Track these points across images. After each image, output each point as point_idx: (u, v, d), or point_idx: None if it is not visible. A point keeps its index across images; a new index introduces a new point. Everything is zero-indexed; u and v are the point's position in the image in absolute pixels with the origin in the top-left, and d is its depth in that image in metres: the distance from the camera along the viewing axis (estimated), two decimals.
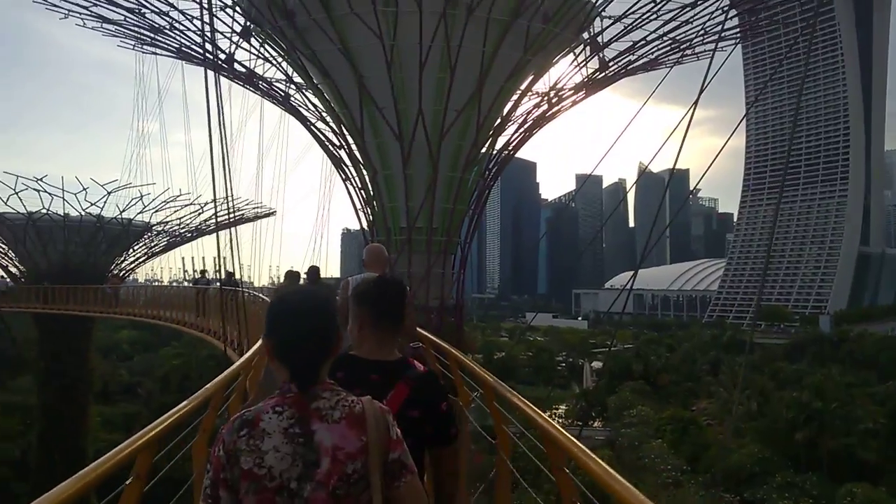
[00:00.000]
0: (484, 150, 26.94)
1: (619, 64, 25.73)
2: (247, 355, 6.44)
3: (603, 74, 26.12)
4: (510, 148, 28.04)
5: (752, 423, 60.65)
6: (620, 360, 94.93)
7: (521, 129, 27.87)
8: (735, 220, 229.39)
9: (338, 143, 27.77)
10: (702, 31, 25.04)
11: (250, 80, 28.77)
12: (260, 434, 1.87)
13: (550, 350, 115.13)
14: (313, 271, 12.94)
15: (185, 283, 31.50)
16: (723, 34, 27.06)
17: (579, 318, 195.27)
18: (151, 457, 3.07)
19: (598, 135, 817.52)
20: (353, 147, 27.06)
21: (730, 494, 43.73)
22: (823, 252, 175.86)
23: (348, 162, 27.83)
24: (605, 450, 56.87)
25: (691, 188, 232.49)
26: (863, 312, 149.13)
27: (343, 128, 26.82)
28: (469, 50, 22.26)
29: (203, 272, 29.18)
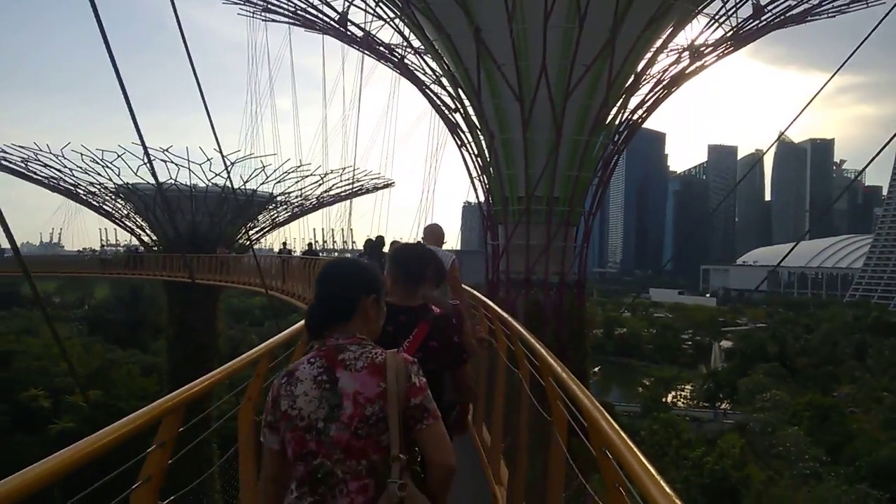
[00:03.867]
0: (614, 111, 24.52)
1: (776, 11, 22.44)
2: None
3: (755, 24, 22.94)
4: (644, 110, 25.38)
5: None
6: (753, 340, 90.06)
7: (657, 89, 25.12)
8: (885, 193, 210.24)
9: (453, 107, 26.24)
10: None
11: (366, 42, 27.76)
12: (295, 381, 2.21)
13: (675, 328, 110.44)
14: (371, 243, 13.71)
15: (297, 254, 31.87)
16: None
17: (707, 295, 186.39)
18: (178, 421, 3.12)
19: (733, 104, 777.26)
20: (470, 110, 25.41)
21: (877, 491, 39.74)
22: None
23: (464, 126, 26.25)
24: (733, 434, 53.77)
25: (835, 160, 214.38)
26: None
27: (459, 89, 25.21)
28: None
29: (310, 244, 30.48)
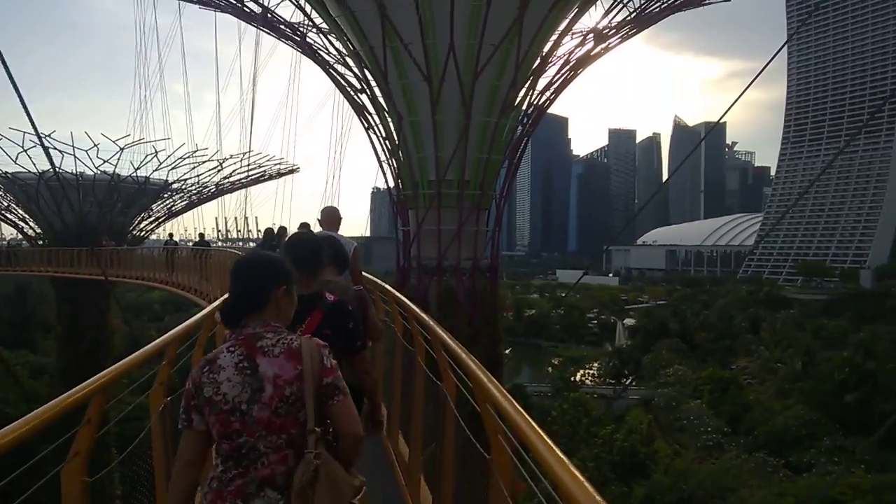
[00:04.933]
0: (522, 93, 24.18)
1: None
2: (206, 310, 6.60)
3: (657, 5, 23.11)
4: (551, 91, 25.20)
5: (797, 383, 58.46)
6: (655, 317, 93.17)
7: (564, 71, 24.98)
8: (773, 173, 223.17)
9: (359, 88, 25.20)
10: None
11: (264, 19, 26.24)
12: (217, 369, 2.41)
13: (581, 308, 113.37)
14: (269, 233, 13.72)
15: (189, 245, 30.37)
16: None
17: (610, 275, 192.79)
18: (104, 402, 3.30)
19: (632, 89, 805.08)
20: (377, 91, 24.46)
21: (774, 458, 41.82)
22: (865, 205, 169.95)
23: (371, 108, 25.27)
24: (639, 410, 55.51)
25: (727, 142, 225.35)
26: None
27: (365, 69, 24.19)
28: None
29: (202, 235, 29.40)
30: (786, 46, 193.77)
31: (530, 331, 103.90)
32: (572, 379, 70.67)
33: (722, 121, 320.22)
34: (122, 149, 40.56)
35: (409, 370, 5.74)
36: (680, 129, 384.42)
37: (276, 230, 15.56)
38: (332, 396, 2.45)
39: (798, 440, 46.15)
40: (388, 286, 7.44)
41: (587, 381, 75.01)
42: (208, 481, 2.43)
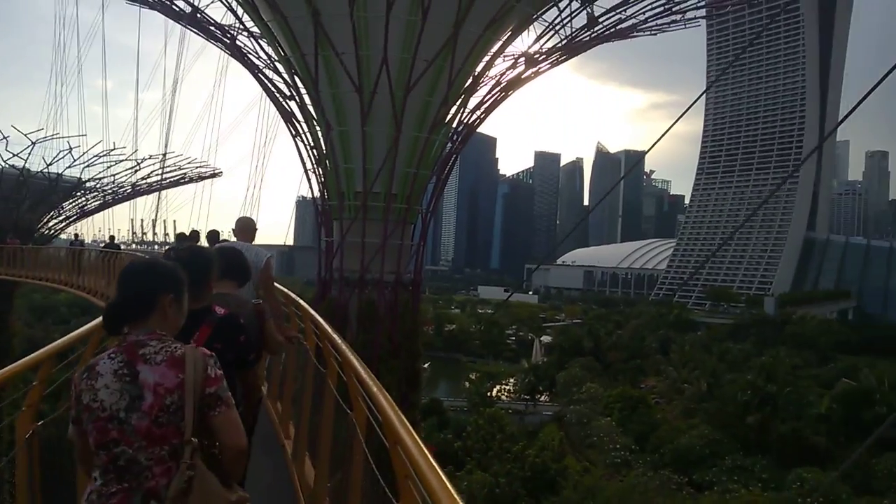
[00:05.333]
0: (453, 110, 24.39)
1: (608, 23, 23.45)
2: (95, 322, 5.74)
3: (589, 33, 23.82)
4: (482, 111, 25.53)
5: (702, 403, 60.62)
6: (571, 335, 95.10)
7: (495, 92, 25.37)
8: (687, 202, 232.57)
9: (288, 94, 24.82)
10: None
11: (193, 19, 25.53)
12: (95, 375, 2.36)
13: (501, 324, 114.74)
14: (181, 238, 13.62)
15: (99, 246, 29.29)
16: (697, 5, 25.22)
17: (530, 293, 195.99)
18: None
19: (559, 114, 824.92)
20: (306, 98, 24.15)
21: (678, 476, 43.08)
22: (771, 235, 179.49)
23: (299, 115, 24.90)
24: (552, 426, 56.43)
25: (646, 170, 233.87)
26: (805, 295, 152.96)
27: (295, 76, 23.86)
28: None
29: (112, 237, 28.67)
30: (705, 80, 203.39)
31: (450, 345, 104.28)
32: (489, 394, 71.17)
33: (642, 149, 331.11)
34: (33, 143, 38.51)
35: (319, 390, 5.57)
36: (602, 155, 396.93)
37: (189, 234, 15.27)
38: (214, 407, 2.40)
39: (701, 459, 47.61)
40: (302, 302, 7.17)
41: (503, 397, 75.70)
42: (86, 495, 2.35)
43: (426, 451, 2.33)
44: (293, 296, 7.73)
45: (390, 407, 2.92)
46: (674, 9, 23.28)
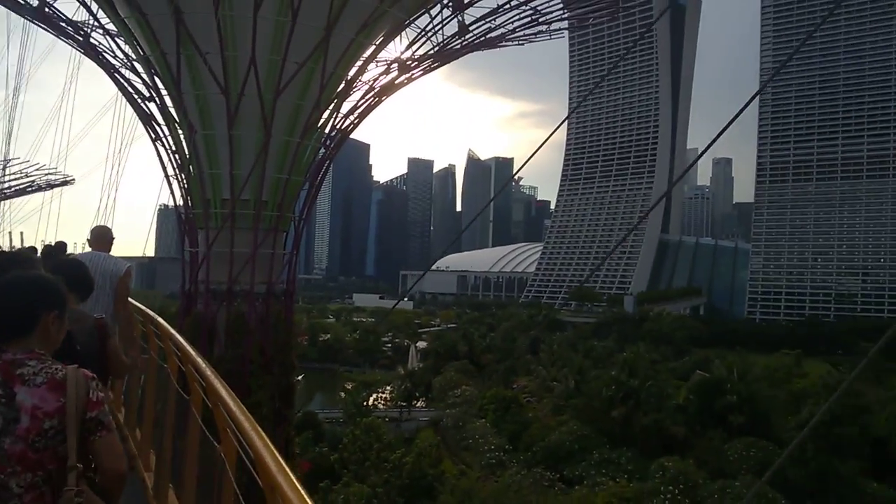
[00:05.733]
0: (326, 115, 23.80)
1: (479, 31, 23.82)
2: None
3: (460, 41, 24.10)
4: (355, 116, 25.12)
5: (570, 400, 62.86)
6: (446, 340, 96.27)
7: (368, 97, 25.04)
8: (553, 207, 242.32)
9: (147, 95, 23.27)
10: (558, 3, 23.91)
11: (42, 14, 23.37)
12: None
13: (377, 331, 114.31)
14: (47, 251, 12.17)
15: None
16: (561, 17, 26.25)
17: (406, 299, 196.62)
18: None
19: (431, 121, 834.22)
20: (168, 100, 22.73)
21: (550, 472, 44.39)
22: (630, 237, 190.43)
23: (160, 118, 23.41)
24: (428, 431, 56.67)
25: (516, 176, 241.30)
26: (661, 294, 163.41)
27: (155, 76, 22.40)
28: None
29: None
30: (567, 90, 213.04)
31: (325, 356, 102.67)
32: (365, 404, 70.52)
33: (510, 156, 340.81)
34: None
35: (183, 417, 5.06)
36: (473, 162, 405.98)
37: (55, 246, 14.05)
38: (95, 431, 2.33)
39: (571, 454, 49.27)
40: (160, 319, 6.58)
41: (380, 406, 75.26)
42: None
43: (307, 499, 2.13)
44: (150, 312, 7.04)
45: (264, 446, 2.63)
46: (540, 20, 24.01)
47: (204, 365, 4.19)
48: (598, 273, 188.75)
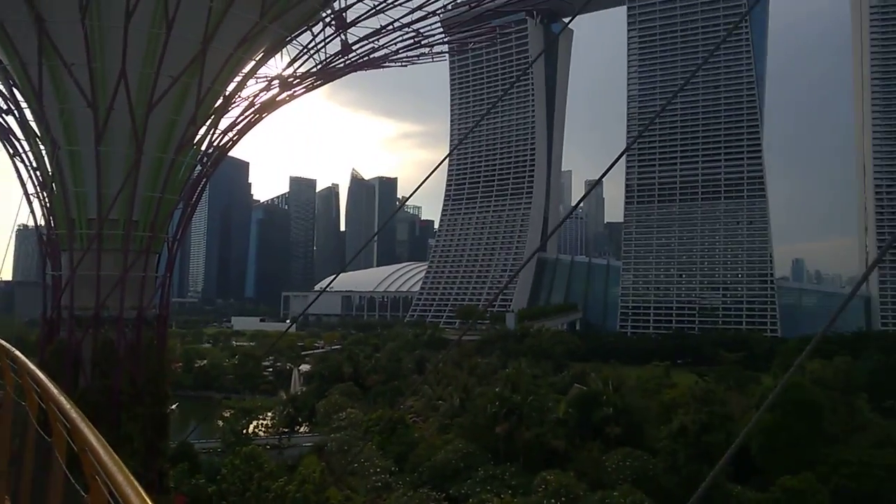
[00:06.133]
0: (203, 131, 22.83)
1: (362, 51, 23.76)
2: None
3: (343, 60, 23.93)
4: (234, 133, 24.27)
5: (455, 418, 63.14)
6: (330, 362, 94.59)
7: (248, 113, 24.30)
8: (436, 226, 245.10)
9: (5, 108, 21.44)
10: (439, 28, 24.38)
11: None
12: None
13: (257, 356, 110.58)
14: None
15: None
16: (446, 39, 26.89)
17: (287, 321, 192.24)
18: None
19: (314, 139, 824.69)
20: (28, 113, 21.04)
21: (436, 492, 44.26)
22: (510, 256, 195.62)
23: (19, 133, 21.63)
24: (312, 457, 55.19)
25: (399, 196, 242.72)
26: (540, 310, 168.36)
27: (14, 87, 20.69)
28: (193, 3, 18.12)
29: None
30: (449, 113, 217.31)
31: (201, 383, 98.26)
32: (245, 432, 67.82)
33: (394, 176, 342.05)
34: None
35: (45, 462, 4.54)
36: (357, 181, 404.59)
37: None
38: None
39: (457, 472, 49.26)
40: (17, 353, 5.97)
41: (261, 433, 72.67)
42: None
43: None
44: (4, 345, 6.30)
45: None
46: (422, 42, 24.35)
47: (68, 405, 3.81)
48: (481, 291, 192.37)
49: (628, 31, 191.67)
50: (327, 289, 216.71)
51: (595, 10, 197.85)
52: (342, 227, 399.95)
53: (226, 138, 24.26)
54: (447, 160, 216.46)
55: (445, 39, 25.92)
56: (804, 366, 57.57)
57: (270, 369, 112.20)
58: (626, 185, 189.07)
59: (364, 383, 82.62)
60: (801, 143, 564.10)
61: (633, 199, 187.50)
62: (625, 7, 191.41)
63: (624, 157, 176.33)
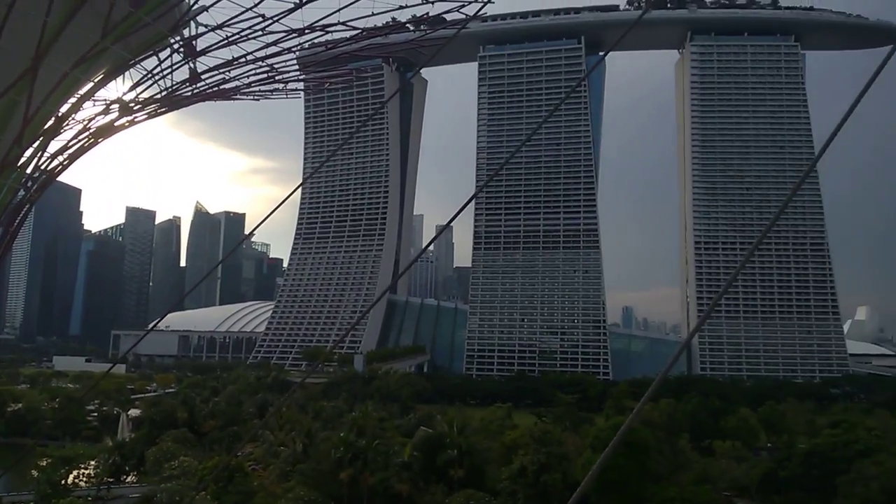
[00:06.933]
0: (29, 153, 20.99)
1: (212, 81, 23.03)
2: None
3: (191, 89, 23.07)
4: (65, 157, 22.49)
5: (297, 465, 61.40)
6: (163, 407, 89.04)
7: (82, 137, 22.66)
8: (286, 265, 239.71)
9: None
10: (295, 65, 24.27)
11: None
12: None
13: (79, 398, 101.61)
14: None
15: None
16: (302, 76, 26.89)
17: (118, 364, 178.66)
18: None
19: (155, 169, 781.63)
20: None
21: None
22: (360, 298, 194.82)
23: None
24: None
25: (246, 232, 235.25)
26: (388, 352, 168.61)
27: None
28: (25, 13, 16.73)
29: None
30: (301, 149, 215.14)
31: (15, 428, 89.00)
32: (63, 482, 61.83)
33: (242, 212, 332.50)
34: None
35: None
36: (201, 215, 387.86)
37: None
38: None
39: None
40: None
41: (81, 483, 66.58)
42: None
43: None
44: None
45: None
46: (277, 77, 24.11)
47: None
48: (329, 332, 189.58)
49: (479, 85, 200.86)
50: (163, 327, 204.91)
51: (448, 63, 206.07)
52: (182, 263, 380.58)
53: (55, 162, 22.49)
54: (300, 198, 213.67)
55: (301, 77, 25.84)
56: (632, 407, 61.54)
57: (95, 414, 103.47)
58: (475, 232, 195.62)
59: (200, 429, 78.32)
60: (631, 199, 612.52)
61: (480, 245, 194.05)
62: (476, 63, 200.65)
63: (472, 204, 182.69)
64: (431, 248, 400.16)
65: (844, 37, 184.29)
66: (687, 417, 74.30)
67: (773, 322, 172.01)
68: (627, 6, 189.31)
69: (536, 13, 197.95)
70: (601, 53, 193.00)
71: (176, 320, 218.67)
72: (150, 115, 24.71)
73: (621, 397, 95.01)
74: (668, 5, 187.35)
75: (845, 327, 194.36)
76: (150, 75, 22.28)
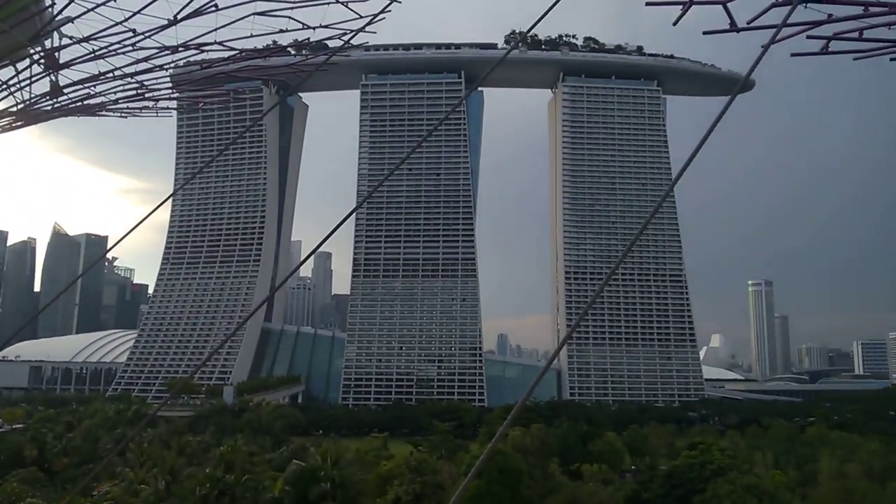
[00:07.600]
0: None
1: (75, 96, 21.67)
2: None
3: (52, 103, 21.59)
4: None
5: (160, 503, 58.09)
6: (9, 444, 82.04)
7: None
8: (151, 291, 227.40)
9: None
10: (168, 83, 23.40)
11: None
12: None
13: None
14: None
15: None
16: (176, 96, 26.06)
17: None
18: None
19: (8, 186, 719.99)
20: None
21: None
22: (233, 326, 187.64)
23: None
24: None
25: (108, 256, 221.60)
26: (261, 383, 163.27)
27: None
28: None
29: None
30: (173, 170, 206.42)
31: None
32: None
33: (105, 234, 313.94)
34: None
35: None
36: (60, 236, 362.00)
37: None
38: None
39: None
40: None
41: None
42: None
43: None
44: None
45: None
46: (147, 95, 23.12)
47: None
48: (197, 363, 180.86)
49: (361, 113, 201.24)
50: (12, 357, 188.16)
51: (331, 89, 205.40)
52: (37, 288, 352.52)
53: None
54: (168, 220, 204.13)
55: (173, 96, 24.92)
56: (507, 434, 62.76)
57: None
58: (354, 259, 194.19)
59: (51, 468, 72.51)
60: (507, 229, 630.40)
61: (359, 272, 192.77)
62: (358, 91, 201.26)
63: (353, 232, 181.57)
64: (309, 275, 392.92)
65: (701, 84, 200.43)
66: (558, 441, 76.63)
67: (637, 349, 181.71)
68: (505, 45, 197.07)
69: (419, 46, 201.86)
70: (474, 86, 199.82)
71: (27, 349, 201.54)
72: (4, 129, 22.95)
73: (495, 423, 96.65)
74: (543, 47, 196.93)
75: (701, 354, 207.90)
76: (5, 86, 20.73)
